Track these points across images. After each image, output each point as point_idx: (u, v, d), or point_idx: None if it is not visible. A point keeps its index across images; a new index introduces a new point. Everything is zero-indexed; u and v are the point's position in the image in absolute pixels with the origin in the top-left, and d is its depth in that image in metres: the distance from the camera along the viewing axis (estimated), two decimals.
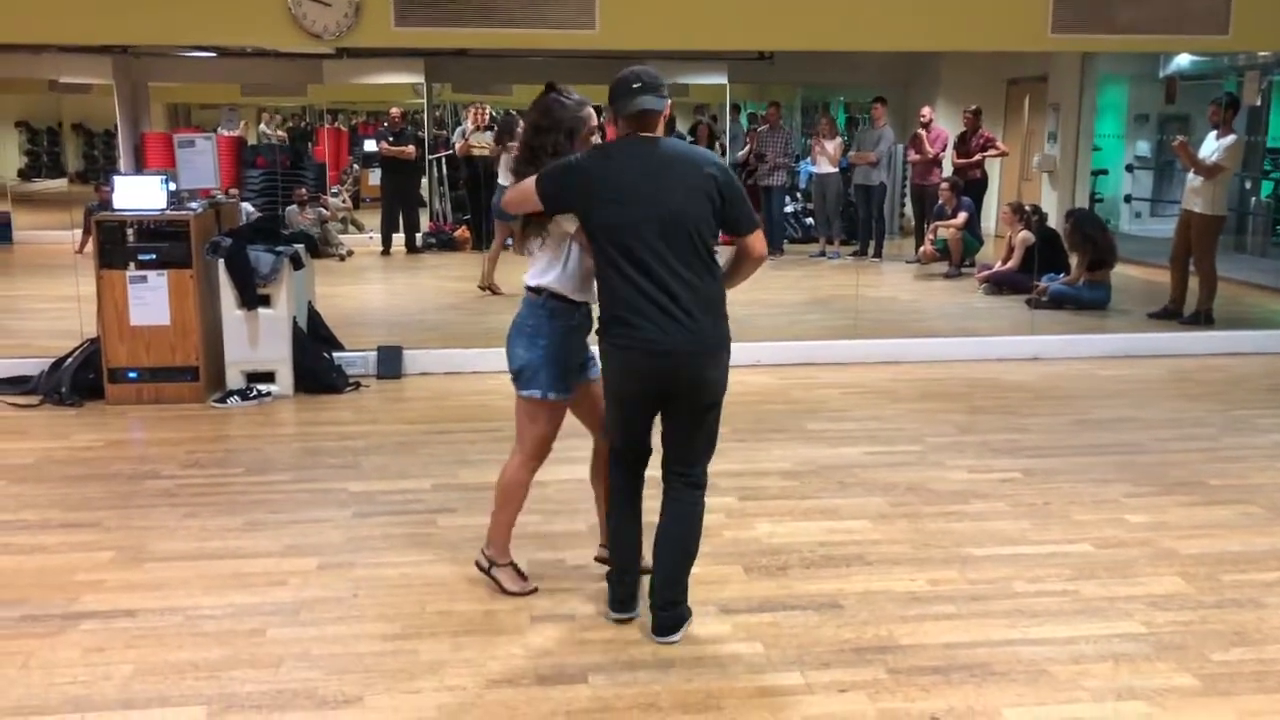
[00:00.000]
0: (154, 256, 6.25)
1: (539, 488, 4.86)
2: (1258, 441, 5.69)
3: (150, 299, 6.26)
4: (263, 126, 15.45)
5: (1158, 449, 5.54)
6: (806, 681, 3.24)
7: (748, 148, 12.75)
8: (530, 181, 3.41)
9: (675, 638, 3.49)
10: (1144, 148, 13.51)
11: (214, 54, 11.60)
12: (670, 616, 3.50)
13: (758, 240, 3.42)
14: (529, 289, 3.61)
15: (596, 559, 4.01)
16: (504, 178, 9.59)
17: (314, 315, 7.04)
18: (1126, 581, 3.94)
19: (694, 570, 3.91)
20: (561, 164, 3.41)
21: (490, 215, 9.98)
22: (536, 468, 3.79)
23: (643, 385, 3.40)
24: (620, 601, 3.61)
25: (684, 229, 3.27)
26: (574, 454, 5.37)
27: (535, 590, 3.82)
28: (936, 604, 3.76)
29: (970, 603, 3.77)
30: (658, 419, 3.52)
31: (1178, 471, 5.16)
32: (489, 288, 9.42)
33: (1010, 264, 9.86)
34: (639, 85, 3.34)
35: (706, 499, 3.54)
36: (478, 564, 3.90)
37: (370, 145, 14.54)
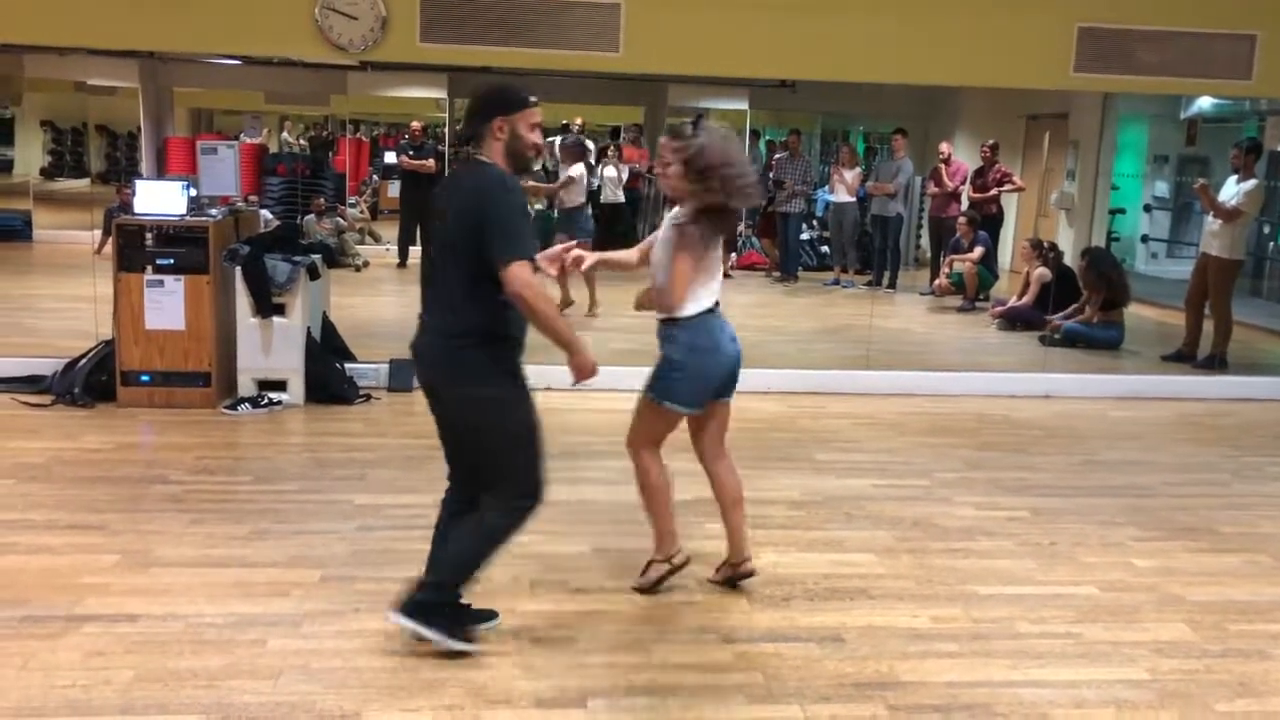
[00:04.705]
0: (172, 261, 6.28)
1: (542, 507, 4.88)
2: (1268, 489, 5.65)
3: (166, 303, 6.29)
4: (284, 135, 15.54)
5: (1167, 493, 5.51)
6: (806, 715, 3.22)
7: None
8: None
9: (400, 618, 3.47)
10: (1162, 188, 13.49)
11: (239, 61, 11.68)
12: (411, 600, 3.49)
13: (508, 274, 3.22)
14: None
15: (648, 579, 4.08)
16: (575, 198, 9.67)
17: (328, 325, 7.07)
18: (1131, 627, 3.92)
19: (698, 597, 3.92)
20: None
21: None
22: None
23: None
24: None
25: (452, 249, 3.36)
26: (575, 475, 5.39)
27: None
28: (939, 641, 3.74)
29: (973, 641, 3.75)
30: None
31: (1187, 517, 5.13)
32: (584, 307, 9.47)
33: (1025, 300, 9.85)
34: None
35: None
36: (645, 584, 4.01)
37: (390, 157, 14.62)
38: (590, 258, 3.88)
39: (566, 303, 9.46)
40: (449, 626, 3.49)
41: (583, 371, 3.45)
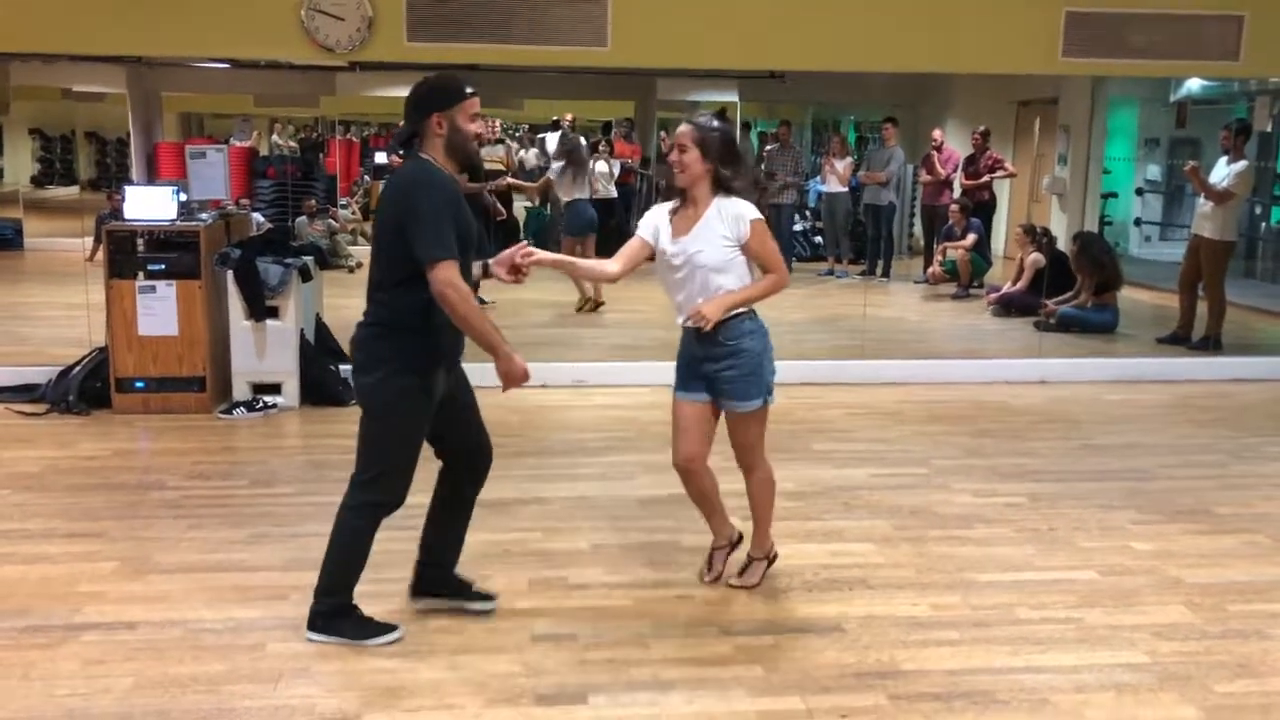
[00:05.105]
0: (163, 267, 6.26)
1: (540, 505, 4.89)
2: (1265, 470, 5.66)
3: (158, 309, 6.27)
4: (275, 137, 15.52)
5: (1164, 476, 5.51)
6: (807, 706, 3.22)
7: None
8: None
9: (308, 634, 3.53)
10: (1154, 171, 13.51)
11: (227, 65, 11.66)
12: (312, 614, 3.55)
13: (432, 275, 3.19)
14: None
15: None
16: (567, 193, 9.79)
17: (321, 327, 7.06)
18: (1131, 610, 3.92)
19: (696, 591, 3.93)
20: None
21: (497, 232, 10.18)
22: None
23: None
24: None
25: (382, 242, 3.36)
26: (573, 471, 5.39)
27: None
28: (939, 629, 3.74)
29: (973, 629, 3.75)
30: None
31: (1184, 499, 5.13)
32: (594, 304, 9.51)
33: (1019, 285, 9.85)
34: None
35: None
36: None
37: (381, 158, 14.61)
38: (539, 255, 3.67)
39: (597, 303, 9.45)
40: (355, 629, 3.53)
41: (511, 378, 3.39)
